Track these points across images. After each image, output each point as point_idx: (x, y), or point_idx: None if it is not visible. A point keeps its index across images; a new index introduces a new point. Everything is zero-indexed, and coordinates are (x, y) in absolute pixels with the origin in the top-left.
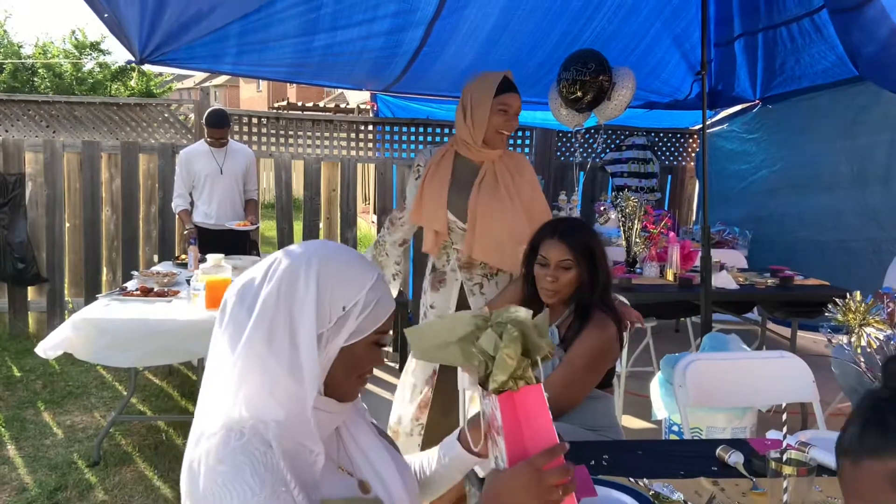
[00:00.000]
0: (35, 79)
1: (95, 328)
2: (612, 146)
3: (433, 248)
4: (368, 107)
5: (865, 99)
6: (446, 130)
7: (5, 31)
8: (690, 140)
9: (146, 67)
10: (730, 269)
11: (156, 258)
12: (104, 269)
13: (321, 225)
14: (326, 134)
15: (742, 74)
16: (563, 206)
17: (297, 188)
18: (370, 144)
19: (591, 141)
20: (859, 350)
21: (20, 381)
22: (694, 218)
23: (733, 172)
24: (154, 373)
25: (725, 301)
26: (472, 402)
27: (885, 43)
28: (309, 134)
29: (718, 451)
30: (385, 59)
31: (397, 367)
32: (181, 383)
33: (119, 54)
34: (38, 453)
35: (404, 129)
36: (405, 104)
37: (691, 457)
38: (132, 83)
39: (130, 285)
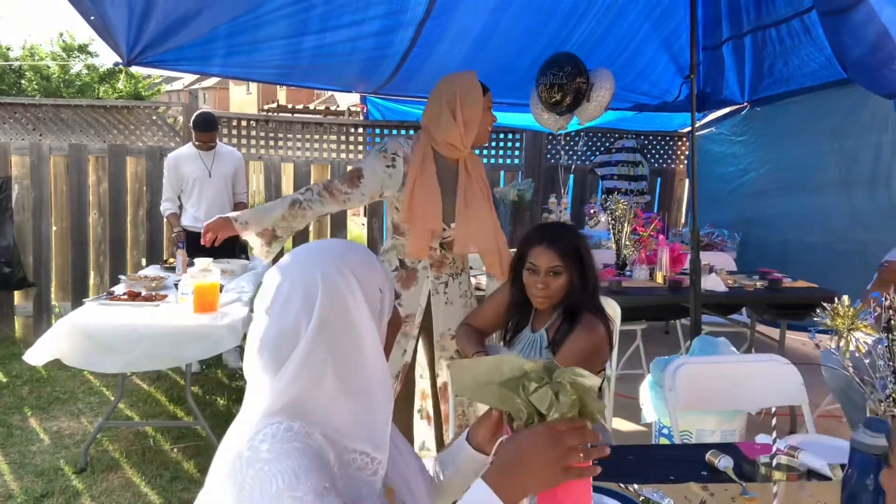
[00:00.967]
0: (22, 81)
1: (83, 333)
2: (602, 149)
3: (424, 251)
4: (359, 109)
5: (853, 101)
6: None
7: None
8: (679, 143)
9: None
10: (719, 271)
11: (144, 262)
12: (91, 273)
13: (311, 227)
14: (316, 136)
15: (730, 77)
16: (554, 208)
17: (287, 191)
18: (360, 147)
19: (573, 144)
20: (848, 354)
21: (6, 386)
22: (683, 220)
23: (722, 175)
24: (142, 378)
25: (714, 303)
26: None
27: (872, 46)
28: (299, 136)
29: (708, 455)
30: (375, 60)
31: None
32: (169, 388)
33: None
34: (24, 459)
35: (394, 131)
36: (395, 106)
37: (681, 461)
38: (120, 85)
39: (118, 289)
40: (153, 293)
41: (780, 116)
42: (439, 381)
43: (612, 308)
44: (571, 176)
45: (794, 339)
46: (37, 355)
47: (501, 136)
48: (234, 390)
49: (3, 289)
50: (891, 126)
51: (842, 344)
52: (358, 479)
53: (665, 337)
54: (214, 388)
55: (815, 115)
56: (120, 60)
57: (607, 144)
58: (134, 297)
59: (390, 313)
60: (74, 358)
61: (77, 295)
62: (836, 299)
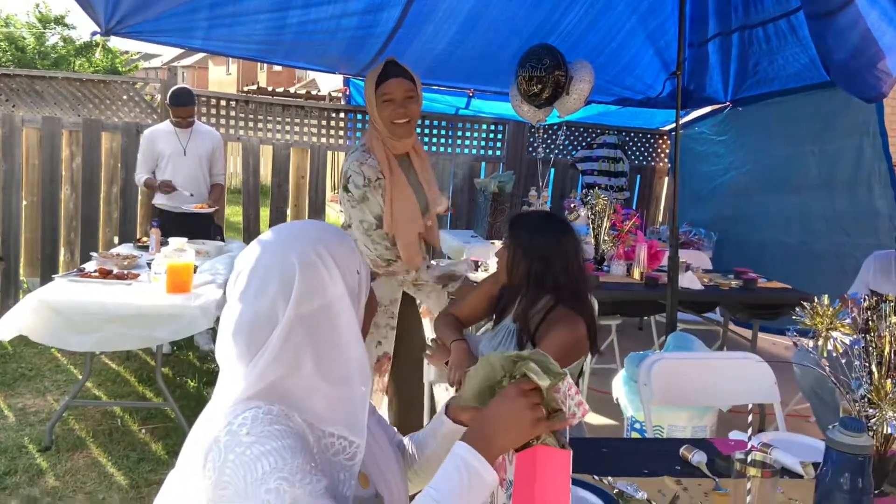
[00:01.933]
0: None
1: (51, 310)
2: (584, 144)
3: (418, 257)
4: (340, 93)
5: (835, 104)
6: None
7: None
8: (660, 141)
9: (112, 44)
10: (695, 269)
11: (116, 240)
12: (62, 250)
13: (288, 212)
14: (297, 120)
15: (715, 75)
16: (534, 201)
17: (265, 174)
18: (341, 132)
19: (553, 137)
20: (825, 354)
21: None
22: (661, 218)
23: (702, 173)
24: (111, 357)
25: (689, 301)
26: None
27: (855, 49)
28: (279, 119)
29: (682, 450)
30: (360, 39)
31: None
32: (139, 368)
33: (84, 29)
34: None
35: None
36: None
37: (655, 455)
38: (97, 59)
39: (89, 266)
40: (125, 271)
41: (762, 117)
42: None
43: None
44: (552, 170)
45: (766, 339)
46: (3, 330)
47: (484, 126)
48: (206, 373)
49: None
50: (871, 129)
51: (820, 343)
52: (335, 463)
53: (638, 333)
54: (185, 369)
55: (797, 117)
56: (98, 30)
57: (589, 140)
58: (105, 274)
59: (367, 296)
60: (42, 335)
61: (46, 271)
62: (815, 298)
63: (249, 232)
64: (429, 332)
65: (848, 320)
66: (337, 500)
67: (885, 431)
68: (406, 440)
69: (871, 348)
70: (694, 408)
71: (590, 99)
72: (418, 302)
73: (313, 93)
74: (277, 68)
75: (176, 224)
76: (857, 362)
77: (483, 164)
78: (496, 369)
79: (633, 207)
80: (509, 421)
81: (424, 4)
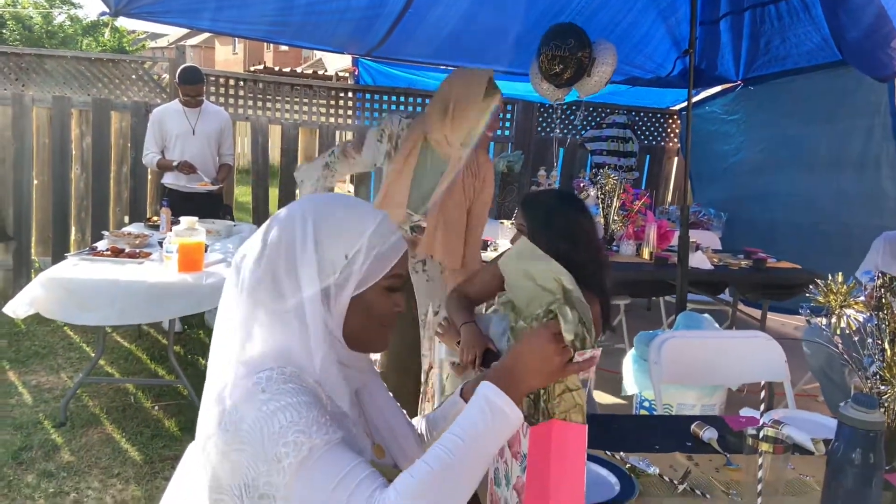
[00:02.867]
0: (3, 31)
1: (64, 287)
2: (593, 124)
3: None
4: (348, 73)
5: (847, 84)
6: (427, 101)
7: None
8: (670, 120)
9: (119, 23)
10: (704, 249)
11: (127, 219)
12: (73, 229)
13: (297, 192)
14: (305, 99)
15: (726, 53)
16: (543, 181)
17: (274, 154)
18: (349, 112)
19: (571, 116)
20: (838, 332)
21: None
22: (670, 199)
23: (713, 153)
24: (122, 335)
25: (699, 281)
26: (448, 378)
27: (869, 27)
28: (287, 98)
29: (693, 427)
30: (369, 19)
31: None
32: (150, 346)
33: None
34: (2, 413)
35: (384, 97)
36: (387, 70)
37: (666, 432)
38: (104, 39)
39: (101, 245)
40: (137, 250)
41: (773, 96)
42: (424, 363)
43: None
44: (561, 150)
45: (775, 319)
46: (17, 307)
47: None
48: None
49: None
50: (883, 109)
51: (833, 321)
52: (344, 423)
53: (647, 313)
54: (196, 348)
55: (809, 96)
56: (107, 10)
57: (598, 119)
58: (117, 253)
59: (361, 288)
60: (54, 311)
61: (58, 250)
62: (829, 276)
63: (258, 212)
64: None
65: (861, 298)
66: (354, 452)
67: None
68: (417, 420)
69: (883, 325)
70: (703, 387)
71: None
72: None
73: (320, 73)
74: (284, 48)
75: (185, 203)
76: (869, 340)
77: (491, 144)
78: (553, 281)
79: (643, 188)
80: (536, 365)
81: None
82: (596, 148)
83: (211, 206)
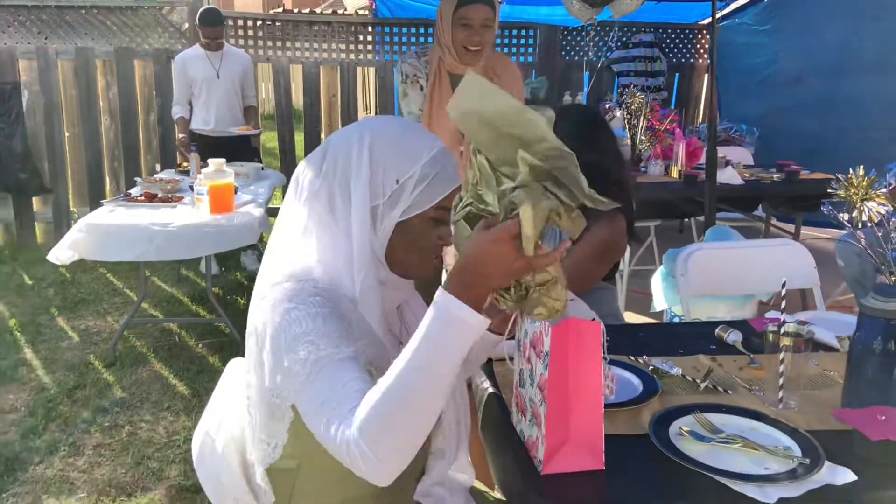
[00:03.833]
0: None
1: (102, 231)
2: (619, 44)
3: None
4: (367, 10)
5: None
6: None
7: None
8: (699, 36)
9: None
10: (735, 165)
11: (158, 167)
12: (107, 179)
13: (322, 133)
14: (325, 38)
15: None
16: None
17: (297, 98)
18: (369, 47)
19: (596, 38)
20: (860, 226)
21: (32, 288)
22: (701, 118)
23: (747, 67)
24: (163, 280)
25: (730, 197)
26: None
27: None
28: (307, 37)
29: (717, 330)
30: None
31: None
32: (190, 289)
33: None
34: (54, 355)
35: (404, 29)
36: (405, 2)
37: (691, 337)
38: None
39: (134, 191)
40: (169, 195)
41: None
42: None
43: None
44: (587, 74)
45: (810, 233)
46: (59, 253)
47: (514, 32)
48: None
49: (21, 195)
50: None
51: (854, 215)
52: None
53: (678, 235)
54: (234, 289)
55: None
56: None
57: (624, 39)
58: (151, 198)
59: (408, 214)
60: (94, 251)
61: (94, 200)
62: (850, 170)
63: (286, 156)
64: None
65: (883, 190)
66: (361, 369)
67: None
68: None
69: None
70: (733, 299)
71: None
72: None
73: (339, 12)
74: None
75: (213, 149)
76: (893, 234)
77: None
78: (518, 123)
79: (672, 107)
80: (492, 270)
81: None
82: (622, 69)
83: (239, 150)
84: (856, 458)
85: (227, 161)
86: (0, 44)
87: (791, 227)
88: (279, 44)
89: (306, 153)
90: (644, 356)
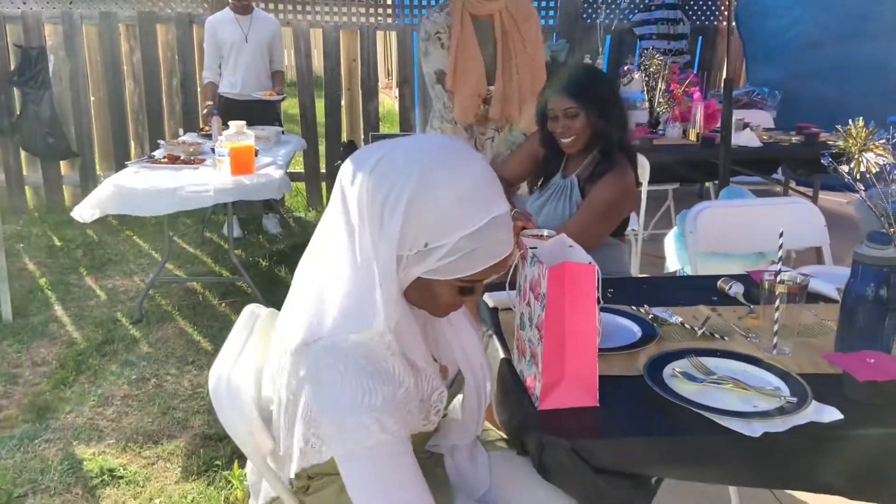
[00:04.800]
0: None
1: (127, 191)
2: (641, 6)
3: (470, 112)
4: None
5: None
6: None
7: None
8: None
9: None
10: (755, 127)
11: (181, 131)
12: (132, 143)
13: (343, 100)
14: (345, 1)
15: None
16: None
17: (318, 63)
18: (389, 11)
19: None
20: (858, 177)
21: (61, 249)
22: (723, 82)
23: (770, 30)
24: (188, 242)
25: (748, 159)
26: None
27: None
28: (327, 1)
29: (720, 283)
30: None
31: None
32: (213, 251)
33: None
34: (83, 313)
35: None
36: None
37: (694, 289)
38: None
39: (158, 154)
40: (192, 157)
41: None
42: None
43: (642, 166)
44: (608, 37)
45: (829, 199)
46: (83, 212)
47: None
48: (275, 253)
49: (49, 159)
50: None
51: (853, 166)
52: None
53: (697, 200)
54: (256, 251)
55: None
56: None
57: (647, 1)
58: (174, 160)
59: (433, 275)
60: (119, 207)
61: (120, 164)
62: (850, 121)
63: (307, 121)
64: None
65: (882, 141)
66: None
67: None
68: None
69: None
70: (744, 258)
71: None
72: None
73: None
74: None
75: (238, 113)
76: (894, 186)
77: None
78: None
79: (695, 71)
80: None
81: None
82: (644, 32)
83: (263, 114)
84: (843, 399)
85: (250, 125)
86: (26, 9)
87: (810, 191)
88: (299, 7)
89: (326, 119)
90: (645, 305)
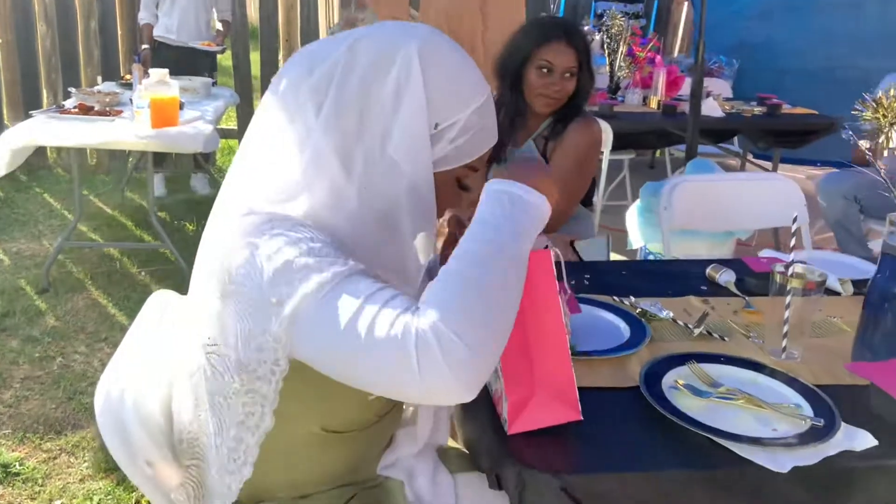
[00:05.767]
0: None
1: (32, 147)
2: None
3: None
4: None
5: None
6: None
7: None
8: None
9: None
10: (716, 97)
11: (99, 79)
12: (43, 90)
13: (280, 52)
14: None
15: None
16: None
17: (252, 13)
18: None
19: None
20: (885, 153)
21: None
22: (679, 47)
23: None
24: (105, 201)
25: (708, 129)
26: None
27: None
28: None
29: (709, 270)
30: None
31: None
32: (134, 212)
33: None
34: None
35: None
36: None
37: (679, 276)
38: None
39: (68, 103)
40: (107, 108)
41: None
42: None
43: (606, 132)
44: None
45: (787, 170)
46: None
47: None
48: (204, 216)
49: None
50: None
51: (881, 140)
52: None
53: (650, 171)
54: (183, 213)
55: None
56: None
57: None
58: (86, 110)
59: (438, 166)
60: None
61: (29, 112)
62: (879, 90)
63: (240, 73)
64: None
65: None
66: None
67: None
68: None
69: None
70: (713, 236)
71: None
72: None
73: None
74: None
75: (171, 58)
76: None
77: None
78: None
79: (653, 33)
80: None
81: None
82: None
83: (198, 64)
84: (873, 419)
85: (177, 74)
86: None
87: (767, 164)
88: None
89: (262, 72)
90: (631, 297)
